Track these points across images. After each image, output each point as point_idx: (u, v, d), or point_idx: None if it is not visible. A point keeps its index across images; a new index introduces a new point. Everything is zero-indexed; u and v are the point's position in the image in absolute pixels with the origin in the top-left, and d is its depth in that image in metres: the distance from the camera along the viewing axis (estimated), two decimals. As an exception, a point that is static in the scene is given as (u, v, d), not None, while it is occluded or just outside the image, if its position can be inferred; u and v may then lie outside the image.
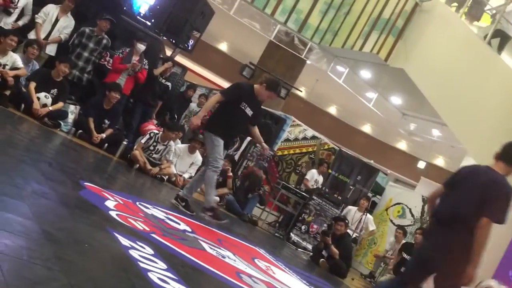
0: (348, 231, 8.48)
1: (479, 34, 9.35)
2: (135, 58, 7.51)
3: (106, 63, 7.64)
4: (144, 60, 7.62)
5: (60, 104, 6.55)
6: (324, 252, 7.32)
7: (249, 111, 5.13)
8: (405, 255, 7.30)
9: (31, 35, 6.91)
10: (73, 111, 6.89)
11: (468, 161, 11.38)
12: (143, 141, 7.08)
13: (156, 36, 8.42)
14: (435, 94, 9.41)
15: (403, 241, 8.34)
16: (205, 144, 5.66)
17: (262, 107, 5.75)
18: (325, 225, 8.20)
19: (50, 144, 5.56)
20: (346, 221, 7.66)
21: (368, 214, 9.18)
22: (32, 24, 6.99)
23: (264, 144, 5.67)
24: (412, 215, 9.44)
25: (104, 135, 6.88)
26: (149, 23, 8.37)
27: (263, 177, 8.32)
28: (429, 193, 3.79)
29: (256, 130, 5.42)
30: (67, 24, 7.21)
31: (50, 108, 6.40)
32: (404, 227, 8.93)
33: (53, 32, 7.08)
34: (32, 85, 6.36)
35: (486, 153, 7.90)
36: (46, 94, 6.43)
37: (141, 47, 7.49)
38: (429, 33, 10.32)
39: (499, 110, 7.89)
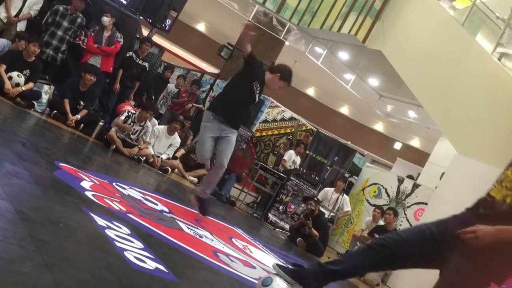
0: (325, 211, 8.61)
1: (456, 16, 9.45)
2: (106, 34, 7.41)
3: (80, 42, 7.52)
4: (117, 33, 7.52)
5: (30, 85, 6.42)
6: (304, 230, 7.44)
7: (257, 97, 4.53)
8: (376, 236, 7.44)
9: (1, 10, 6.72)
10: (47, 91, 6.77)
11: (443, 142, 11.60)
12: (122, 117, 7.03)
13: (132, 15, 8.27)
14: (412, 76, 9.51)
15: (378, 224, 8.49)
16: None
17: None
18: (302, 205, 8.28)
19: (24, 124, 5.45)
20: (315, 199, 7.79)
21: (344, 195, 9.31)
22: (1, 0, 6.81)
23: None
24: (388, 195, 9.60)
25: (79, 116, 6.80)
26: (124, 2, 8.23)
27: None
28: None
29: None
30: (36, 0, 7.03)
31: (23, 88, 6.28)
32: (381, 206, 9.09)
33: (23, 9, 6.91)
34: (2, 67, 6.23)
35: (461, 134, 8.09)
36: (19, 73, 6.30)
37: (105, 20, 7.34)
38: (407, 15, 10.37)
39: (474, 92, 8.02)
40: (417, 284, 6.11)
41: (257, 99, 4.54)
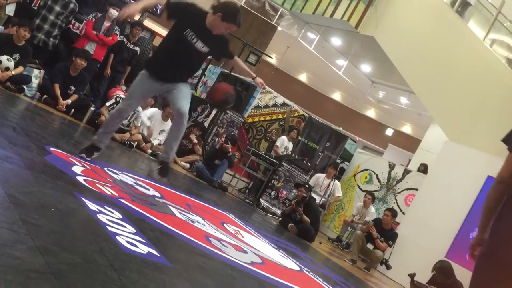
0: (316, 196, 8.66)
1: (447, 2, 9.44)
2: (106, 24, 7.37)
3: (71, 26, 7.44)
4: (116, 26, 7.49)
5: (20, 69, 6.35)
6: (296, 216, 7.47)
7: (200, 46, 3.95)
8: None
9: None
10: (37, 75, 6.70)
11: (434, 129, 11.67)
12: (108, 104, 6.98)
13: (123, -1, 8.18)
14: (404, 62, 9.52)
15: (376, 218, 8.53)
16: None
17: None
18: (294, 190, 8.31)
19: (14, 108, 5.40)
20: (307, 185, 7.84)
21: (336, 181, 9.35)
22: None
23: (257, 78, 4.57)
24: (379, 181, 9.67)
25: (69, 101, 6.74)
26: (115, -15, 8.12)
27: (229, 147, 8.29)
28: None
29: (236, 62, 4.35)
30: None
31: (13, 72, 6.21)
32: (372, 192, 9.15)
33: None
34: None
35: (452, 120, 8.13)
36: (8, 57, 6.23)
37: (114, 13, 7.35)
38: (400, 1, 10.36)
39: (465, 79, 8.05)
40: (408, 269, 6.19)
41: (205, 49, 4.00)
